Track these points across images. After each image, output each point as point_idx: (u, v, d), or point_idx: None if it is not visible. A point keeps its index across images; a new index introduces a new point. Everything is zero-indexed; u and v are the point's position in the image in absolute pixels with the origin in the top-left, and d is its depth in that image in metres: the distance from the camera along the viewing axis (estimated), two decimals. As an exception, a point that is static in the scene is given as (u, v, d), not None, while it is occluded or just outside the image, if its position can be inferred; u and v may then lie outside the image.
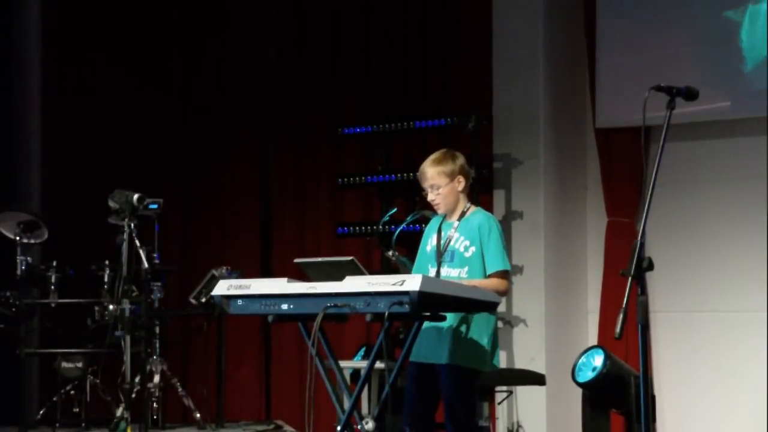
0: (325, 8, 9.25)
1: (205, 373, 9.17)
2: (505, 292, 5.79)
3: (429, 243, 5.87)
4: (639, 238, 4.45)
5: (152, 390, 8.35)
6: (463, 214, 5.80)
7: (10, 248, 8.49)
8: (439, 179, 5.75)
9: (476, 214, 5.81)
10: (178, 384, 8.53)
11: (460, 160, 5.81)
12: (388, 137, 8.49)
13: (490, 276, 5.68)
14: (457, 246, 5.74)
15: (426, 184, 5.79)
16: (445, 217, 5.85)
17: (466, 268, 5.69)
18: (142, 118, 9.84)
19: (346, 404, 5.54)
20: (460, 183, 5.78)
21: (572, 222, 8.40)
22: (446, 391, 5.68)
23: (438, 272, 5.73)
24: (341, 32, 9.17)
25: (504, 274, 5.71)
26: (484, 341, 5.68)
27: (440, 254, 5.76)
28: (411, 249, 6.24)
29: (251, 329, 9.33)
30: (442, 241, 5.78)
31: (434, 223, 5.91)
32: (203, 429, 8.46)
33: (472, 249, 5.70)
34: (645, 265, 4.42)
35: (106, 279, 8.54)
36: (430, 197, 5.80)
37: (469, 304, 5.44)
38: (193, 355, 9.47)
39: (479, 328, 5.67)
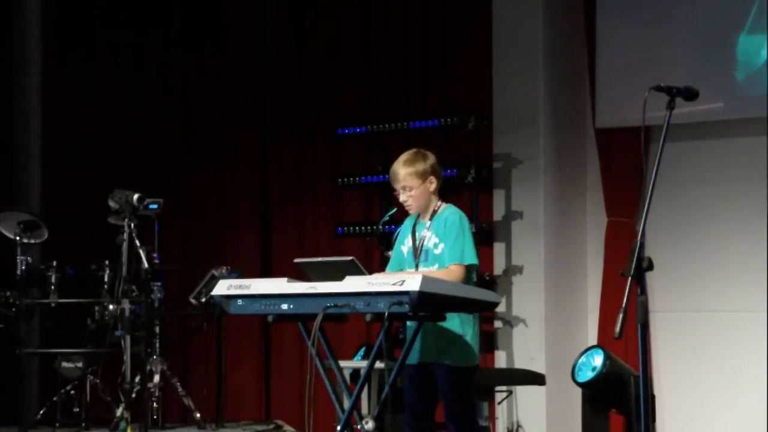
0: (325, 8, 9.25)
1: (205, 373, 9.16)
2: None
3: (405, 244, 5.84)
4: (639, 237, 4.45)
5: (152, 390, 8.35)
6: (434, 213, 5.78)
7: (10, 248, 8.49)
8: (411, 180, 5.71)
9: (445, 211, 5.76)
10: (178, 384, 8.52)
11: (431, 159, 5.77)
12: (387, 137, 8.49)
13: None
14: (429, 244, 5.72)
15: (398, 186, 5.75)
16: (418, 217, 5.84)
17: (436, 266, 5.66)
18: (142, 118, 9.84)
19: (346, 404, 5.54)
20: (432, 183, 5.74)
21: (572, 222, 8.40)
22: (443, 391, 5.67)
23: (416, 273, 5.71)
24: (341, 32, 9.17)
25: (459, 268, 5.58)
26: (468, 336, 5.64)
27: (417, 255, 5.75)
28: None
29: (251, 329, 9.33)
30: (417, 242, 5.77)
31: (408, 223, 5.88)
32: (203, 429, 8.45)
33: (441, 246, 5.68)
34: (645, 265, 4.42)
35: (106, 279, 8.53)
36: (402, 198, 5.75)
37: (468, 304, 5.44)
38: (193, 355, 9.47)
39: (462, 324, 5.63)
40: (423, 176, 5.70)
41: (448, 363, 5.61)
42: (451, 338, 5.62)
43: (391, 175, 5.77)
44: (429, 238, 5.72)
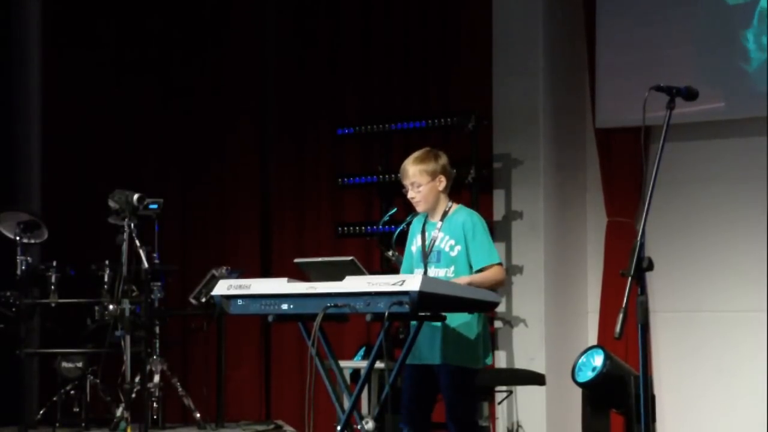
0: (325, 8, 9.25)
1: (205, 373, 9.16)
2: (503, 282, 5.75)
3: (414, 244, 5.84)
4: (639, 238, 4.46)
5: (152, 390, 8.35)
6: (445, 213, 5.77)
7: (10, 248, 8.49)
8: (419, 177, 5.72)
9: (458, 213, 5.77)
10: (178, 384, 8.52)
11: (443, 159, 5.78)
12: (387, 137, 8.49)
13: (476, 272, 5.65)
14: (443, 246, 5.71)
15: (407, 182, 5.77)
16: (427, 217, 5.84)
17: (452, 268, 5.66)
18: (142, 118, 9.85)
19: (346, 404, 5.54)
20: (441, 182, 5.75)
21: (572, 222, 8.40)
22: (446, 391, 5.67)
23: (425, 273, 5.70)
24: (341, 32, 9.17)
25: (500, 266, 5.68)
26: (474, 338, 5.64)
27: (426, 255, 5.74)
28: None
29: (251, 329, 9.33)
30: (426, 242, 5.77)
31: (417, 223, 5.88)
32: (203, 429, 8.45)
33: (458, 248, 5.67)
34: (645, 265, 4.43)
35: (106, 279, 8.52)
36: (410, 195, 5.77)
37: (469, 304, 5.44)
38: (193, 355, 9.47)
39: (468, 326, 5.64)
40: (432, 175, 5.72)
41: (455, 364, 5.61)
42: (458, 340, 5.62)
43: (401, 171, 5.80)
44: (441, 239, 5.72)
